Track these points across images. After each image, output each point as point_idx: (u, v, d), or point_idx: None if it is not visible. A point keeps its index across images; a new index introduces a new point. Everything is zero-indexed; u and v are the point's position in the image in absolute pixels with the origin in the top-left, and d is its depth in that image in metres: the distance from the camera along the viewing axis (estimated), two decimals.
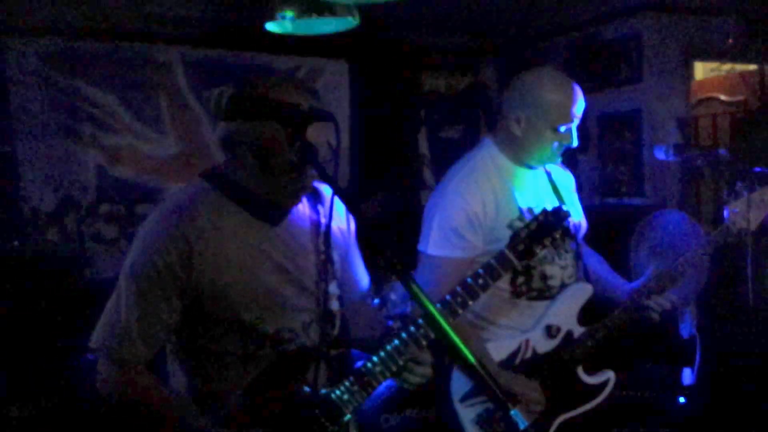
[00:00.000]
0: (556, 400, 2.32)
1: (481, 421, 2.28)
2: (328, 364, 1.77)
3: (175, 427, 1.63)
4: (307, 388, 1.70)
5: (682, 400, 3.74)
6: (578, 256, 2.47)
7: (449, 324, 1.39)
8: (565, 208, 1.92)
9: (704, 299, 3.92)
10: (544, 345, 2.34)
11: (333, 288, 1.83)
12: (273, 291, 1.70)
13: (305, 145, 1.52)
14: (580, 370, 2.38)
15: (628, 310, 2.40)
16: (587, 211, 2.57)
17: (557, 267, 2.36)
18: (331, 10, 2.82)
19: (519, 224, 1.94)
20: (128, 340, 1.63)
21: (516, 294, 2.32)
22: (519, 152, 2.33)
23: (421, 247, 2.30)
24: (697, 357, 3.85)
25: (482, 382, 1.38)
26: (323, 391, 1.71)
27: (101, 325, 1.68)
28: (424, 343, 1.71)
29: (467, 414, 2.29)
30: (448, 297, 1.81)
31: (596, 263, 2.64)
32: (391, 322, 2.06)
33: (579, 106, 2.28)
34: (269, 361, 1.70)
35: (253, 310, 1.68)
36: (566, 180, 2.57)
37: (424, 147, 6.08)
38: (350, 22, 2.99)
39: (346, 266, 1.92)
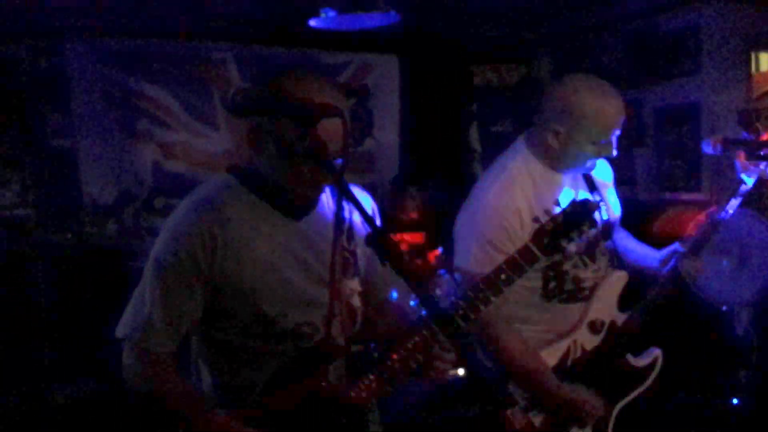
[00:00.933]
0: (611, 390, 2.36)
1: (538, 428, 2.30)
2: (348, 360, 1.78)
3: (194, 421, 1.64)
4: (326, 384, 1.70)
5: (735, 401, 3.64)
6: (612, 256, 2.45)
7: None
8: (594, 199, 1.87)
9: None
10: (591, 341, 2.36)
11: (355, 284, 1.82)
12: (295, 285, 1.70)
13: (314, 141, 1.52)
14: (629, 355, 2.40)
15: (662, 285, 2.41)
16: (644, 206, 2.52)
17: (590, 271, 2.35)
18: (372, 5, 2.83)
19: (545, 217, 1.88)
20: (152, 331, 1.65)
21: (547, 297, 2.30)
22: (555, 161, 2.27)
23: (460, 262, 2.26)
24: (754, 357, 3.73)
25: (479, 384, 1.38)
26: (343, 386, 1.72)
27: (126, 315, 1.70)
28: (444, 340, 1.70)
29: (521, 423, 2.27)
30: (469, 293, 1.78)
31: (628, 245, 2.62)
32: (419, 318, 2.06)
33: (620, 117, 2.21)
34: (289, 356, 1.70)
35: (275, 305, 1.68)
36: (605, 174, 2.52)
37: (475, 141, 6.03)
38: (392, 16, 2.99)
39: (372, 263, 1.90)
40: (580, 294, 2.33)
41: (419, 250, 4.56)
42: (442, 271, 4.24)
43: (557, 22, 5.89)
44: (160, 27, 5.00)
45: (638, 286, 2.46)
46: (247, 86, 1.63)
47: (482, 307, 1.77)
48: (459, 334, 1.72)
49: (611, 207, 2.46)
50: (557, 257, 2.22)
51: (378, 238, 1.47)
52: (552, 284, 2.29)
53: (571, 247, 2.17)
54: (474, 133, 6.03)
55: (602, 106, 2.17)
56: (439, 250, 4.46)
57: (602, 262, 2.39)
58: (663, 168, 5.15)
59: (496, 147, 6.07)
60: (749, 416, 3.58)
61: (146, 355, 1.67)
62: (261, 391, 1.69)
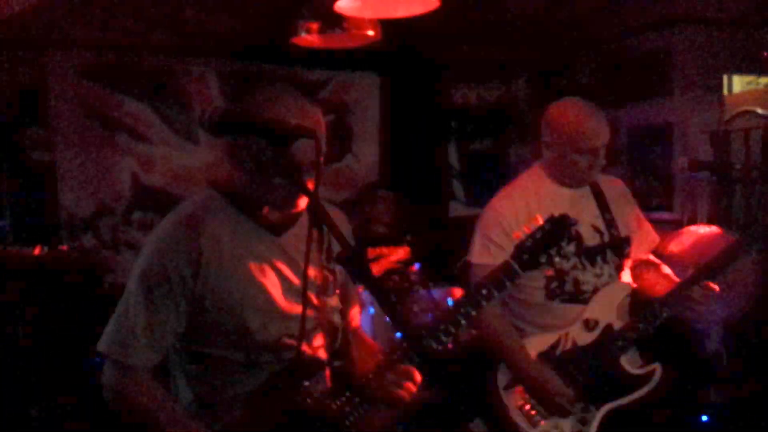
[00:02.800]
0: (600, 389, 2.47)
1: (523, 407, 2.47)
2: (330, 375, 1.79)
3: None
4: (308, 399, 1.72)
5: (705, 418, 3.68)
6: (620, 269, 2.59)
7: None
8: (571, 217, 1.91)
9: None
10: (583, 337, 2.50)
11: (335, 301, 1.84)
12: (276, 299, 1.72)
13: (289, 161, 1.56)
14: (624, 360, 2.50)
15: (665, 302, 2.49)
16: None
17: (590, 275, 2.53)
18: (352, 25, 2.87)
19: (525, 233, 1.91)
20: (135, 344, 1.65)
21: (550, 296, 2.52)
22: (557, 174, 2.55)
23: (467, 257, 2.57)
24: (724, 374, 3.79)
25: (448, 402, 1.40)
26: (326, 401, 1.73)
27: (109, 329, 1.69)
28: (417, 359, 1.73)
29: (511, 400, 2.48)
30: (451, 308, 1.81)
31: (650, 276, 2.72)
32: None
33: (601, 132, 2.47)
34: (271, 369, 1.71)
35: (257, 317, 1.70)
36: (617, 194, 2.68)
37: (453, 159, 6.09)
38: (373, 37, 3.03)
39: (347, 283, 1.94)
40: (580, 296, 2.52)
41: (399, 267, 4.55)
42: (421, 288, 4.25)
43: (534, 44, 5.98)
44: (141, 41, 5.01)
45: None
46: (223, 105, 1.66)
47: (463, 322, 1.80)
48: (427, 355, 1.73)
49: (622, 227, 2.61)
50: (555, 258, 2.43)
51: (350, 258, 1.50)
52: (554, 284, 2.51)
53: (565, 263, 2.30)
54: (453, 151, 6.09)
55: (581, 118, 2.48)
56: (416, 266, 4.47)
57: (606, 269, 2.55)
58: (636, 187, 5.22)
59: (474, 165, 6.20)
60: None
61: (128, 369, 1.67)
62: (242, 407, 1.70)
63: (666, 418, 3.60)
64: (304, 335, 1.74)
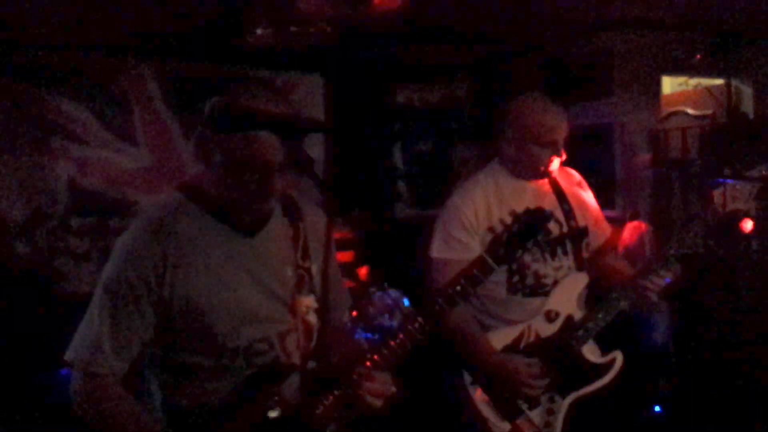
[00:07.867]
0: (565, 379, 2.48)
1: (492, 401, 2.45)
2: (304, 378, 1.74)
3: None
4: (279, 408, 1.68)
5: (657, 408, 3.78)
6: (579, 260, 2.59)
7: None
8: (546, 210, 1.91)
9: (681, 306, 3.95)
10: (546, 329, 2.50)
11: (310, 301, 1.80)
12: (249, 302, 1.69)
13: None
14: (585, 350, 2.52)
15: (624, 290, 2.52)
16: None
17: (550, 267, 2.53)
18: (307, 24, 2.82)
19: (500, 227, 1.90)
20: (100, 352, 1.61)
21: (511, 290, 2.51)
22: (516, 167, 2.55)
23: (428, 252, 2.55)
24: (672, 365, 3.90)
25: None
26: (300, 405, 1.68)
27: (76, 337, 1.66)
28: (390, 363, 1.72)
29: (479, 395, 2.45)
30: (425, 307, 1.79)
31: (610, 266, 2.74)
32: (368, 335, 2.04)
33: (562, 125, 2.51)
34: (243, 375, 1.67)
35: (227, 322, 1.66)
36: (574, 185, 2.71)
37: (398, 160, 6.10)
38: (328, 33, 2.98)
39: (326, 282, 1.87)
40: (541, 289, 2.52)
41: (348, 269, 4.52)
42: (373, 289, 4.22)
43: (476, 46, 6.04)
44: (76, 39, 4.82)
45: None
46: (223, 101, 1.59)
47: (438, 320, 1.78)
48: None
49: (580, 218, 2.63)
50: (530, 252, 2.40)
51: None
52: (515, 278, 2.50)
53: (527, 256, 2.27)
54: (397, 152, 6.09)
55: (543, 112, 2.50)
56: (366, 268, 4.45)
57: (565, 261, 2.56)
58: None
59: (419, 166, 6.22)
60: (670, 423, 3.72)
61: (94, 377, 1.62)
62: (213, 415, 1.65)
63: (621, 408, 3.68)
64: (278, 338, 1.71)
